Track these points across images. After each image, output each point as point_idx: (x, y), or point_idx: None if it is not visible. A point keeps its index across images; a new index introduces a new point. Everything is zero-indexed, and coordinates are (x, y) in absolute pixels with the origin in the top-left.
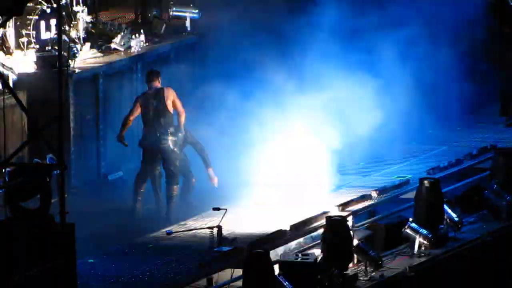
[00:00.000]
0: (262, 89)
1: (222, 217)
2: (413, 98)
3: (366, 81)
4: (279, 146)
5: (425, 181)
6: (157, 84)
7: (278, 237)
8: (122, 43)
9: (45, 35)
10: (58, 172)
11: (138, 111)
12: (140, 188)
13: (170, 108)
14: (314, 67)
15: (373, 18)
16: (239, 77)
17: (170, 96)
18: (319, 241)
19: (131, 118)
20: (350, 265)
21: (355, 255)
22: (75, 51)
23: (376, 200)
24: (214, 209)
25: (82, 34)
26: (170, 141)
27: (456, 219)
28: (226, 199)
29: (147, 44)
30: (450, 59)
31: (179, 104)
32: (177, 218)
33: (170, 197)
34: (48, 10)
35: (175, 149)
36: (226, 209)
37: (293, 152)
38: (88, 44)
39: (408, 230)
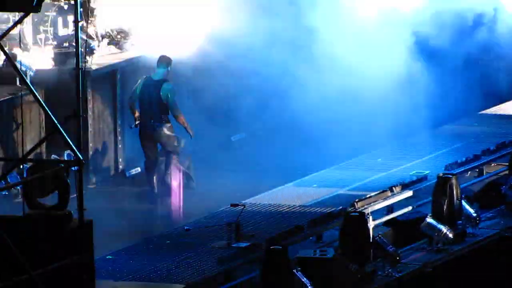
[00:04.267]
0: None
1: (240, 213)
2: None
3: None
4: None
5: (443, 177)
6: (165, 71)
7: (296, 233)
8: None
9: (62, 32)
10: (76, 168)
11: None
12: (153, 175)
13: (166, 102)
14: None
15: None
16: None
17: (167, 92)
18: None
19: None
20: (368, 261)
21: (372, 251)
22: (93, 47)
23: (394, 196)
24: (232, 205)
25: (100, 30)
26: (164, 127)
27: (474, 215)
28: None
29: None
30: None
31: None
32: (194, 213)
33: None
34: (66, 7)
35: (170, 133)
36: (244, 205)
37: None
38: (105, 40)
39: (426, 226)
